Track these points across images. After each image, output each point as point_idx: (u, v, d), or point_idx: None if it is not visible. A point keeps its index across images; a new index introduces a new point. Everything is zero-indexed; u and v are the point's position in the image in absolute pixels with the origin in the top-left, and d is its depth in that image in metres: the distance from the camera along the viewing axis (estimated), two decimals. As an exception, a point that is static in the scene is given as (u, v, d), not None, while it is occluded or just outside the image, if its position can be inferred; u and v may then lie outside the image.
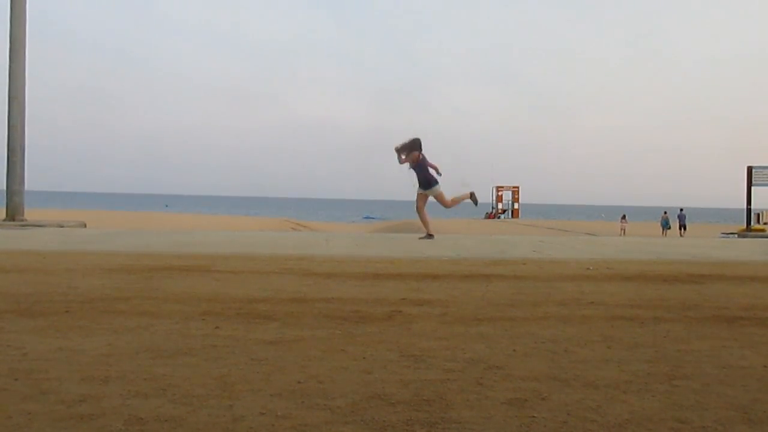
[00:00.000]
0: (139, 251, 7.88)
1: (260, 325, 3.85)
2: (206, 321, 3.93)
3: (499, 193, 57.44)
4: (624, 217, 39.24)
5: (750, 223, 21.66)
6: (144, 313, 4.11)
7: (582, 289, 5.36)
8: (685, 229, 34.24)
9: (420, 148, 10.49)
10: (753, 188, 20.84)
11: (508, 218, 54.70)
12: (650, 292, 5.34)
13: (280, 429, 2.22)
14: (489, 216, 56.38)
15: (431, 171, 10.58)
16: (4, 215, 14.54)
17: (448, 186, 10.82)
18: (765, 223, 23.70)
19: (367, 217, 74.82)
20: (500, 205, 57.18)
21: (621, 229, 35.49)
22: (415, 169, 10.54)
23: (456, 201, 11.00)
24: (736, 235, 19.16)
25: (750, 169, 20.72)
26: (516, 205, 57.45)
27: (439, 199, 10.66)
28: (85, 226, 14.44)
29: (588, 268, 6.79)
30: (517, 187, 58.13)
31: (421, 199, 10.67)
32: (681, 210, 35.70)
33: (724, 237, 18.75)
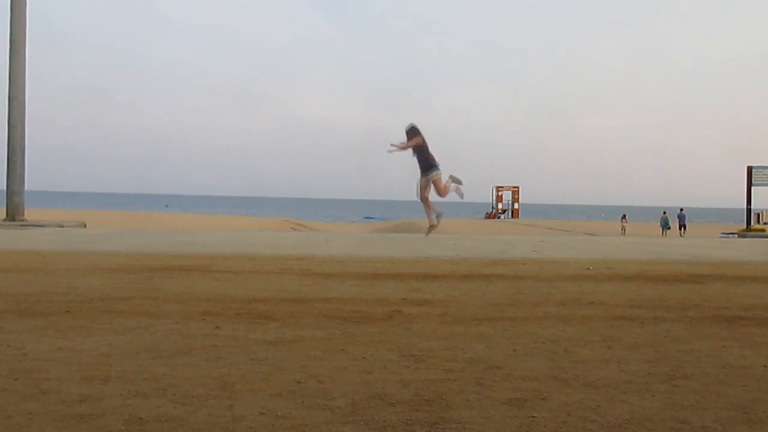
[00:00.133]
0: (139, 251, 7.88)
1: (260, 325, 3.85)
2: (206, 321, 3.93)
3: (499, 193, 57.42)
4: (624, 217, 39.22)
5: (750, 223, 21.66)
6: (144, 313, 4.11)
7: (582, 289, 5.36)
8: (684, 229, 34.21)
9: (420, 133, 10.51)
10: (753, 188, 20.85)
11: (508, 218, 54.67)
12: (650, 292, 5.34)
13: (280, 429, 2.22)
14: (489, 216, 56.36)
15: (432, 156, 10.57)
16: (4, 215, 14.54)
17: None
18: (765, 223, 23.71)
19: (367, 217, 74.78)
20: (500, 205, 57.16)
21: (621, 229, 35.50)
22: (417, 155, 10.55)
23: (448, 189, 10.97)
24: (736, 235, 19.17)
25: (750, 169, 20.73)
26: (516, 205, 57.41)
27: (437, 184, 10.64)
28: (85, 226, 14.45)
29: (588, 268, 6.79)
30: (517, 187, 58.10)
31: (425, 187, 10.67)
32: (681, 210, 35.67)
33: (724, 237, 18.75)
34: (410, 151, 10.53)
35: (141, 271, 5.97)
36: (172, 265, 6.46)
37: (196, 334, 3.59)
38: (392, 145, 10.50)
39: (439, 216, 10.76)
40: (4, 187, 14.67)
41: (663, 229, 35.44)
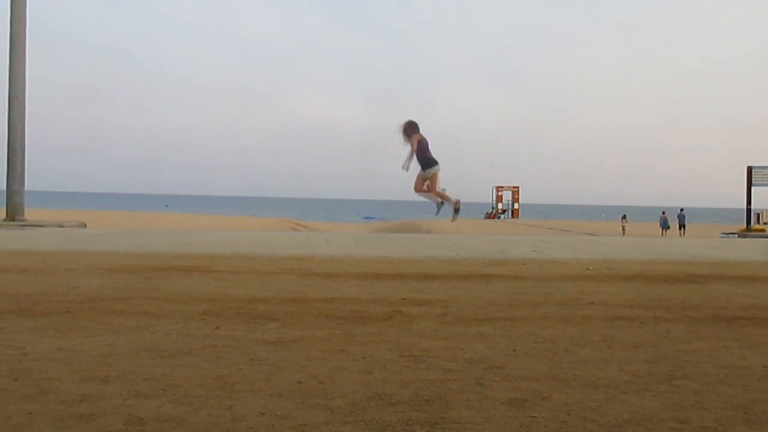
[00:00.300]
0: (139, 251, 7.88)
1: (260, 325, 3.85)
2: (206, 321, 3.93)
3: (499, 193, 57.44)
4: (624, 217, 39.24)
5: (750, 223, 21.66)
6: (144, 313, 4.11)
7: (582, 289, 5.36)
8: (684, 229, 34.23)
9: (418, 130, 10.52)
10: (753, 188, 20.85)
11: (508, 218, 54.69)
12: (650, 292, 5.34)
13: (280, 429, 2.22)
14: (489, 216, 56.38)
15: (430, 155, 10.58)
16: (4, 215, 14.54)
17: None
18: (765, 223, 23.70)
19: (367, 217, 74.80)
20: (500, 205, 57.18)
21: (621, 229, 35.50)
22: (416, 152, 10.55)
23: (442, 196, 10.91)
24: (736, 235, 19.17)
25: (750, 169, 20.73)
26: (516, 205, 57.43)
27: (433, 180, 10.62)
28: (85, 226, 14.45)
29: (588, 268, 6.79)
30: (517, 187, 58.12)
31: (420, 179, 10.68)
32: (681, 210, 35.68)
33: (724, 237, 18.75)
34: (405, 142, 10.52)
35: (141, 271, 5.97)
36: (172, 265, 6.46)
37: (196, 334, 3.59)
38: (405, 167, 10.49)
39: (440, 206, 10.66)
40: (4, 187, 14.66)
41: (663, 229, 35.44)
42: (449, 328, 3.86)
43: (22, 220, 14.20)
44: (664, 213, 36.87)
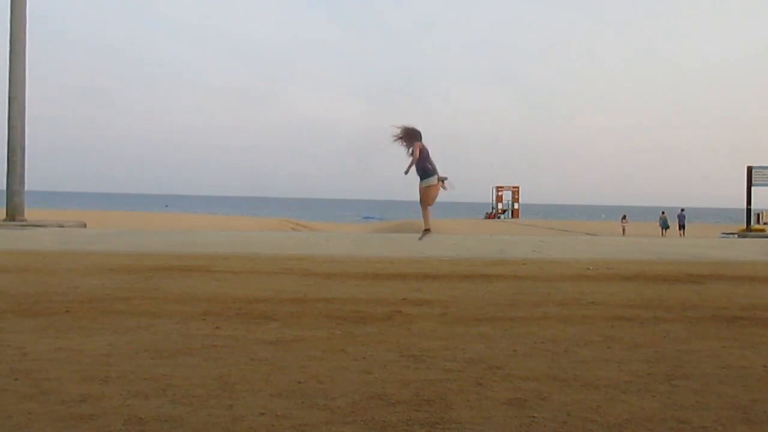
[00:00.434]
0: (139, 251, 7.88)
1: (260, 325, 3.85)
2: (206, 321, 3.93)
3: (499, 193, 57.46)
4: (624, 217, 39.26)
5: (750, 223, 21.66)
6: (144, 313, 4.11)
7: (582, 289, 5.36)
8: (683, 229, 34.22)
9: (420, 139, 10.51)
10: (753, 188, 20.85)
11: (508, 218, 54.69)
12: (650, 292, 5.34)
13: (280, 429, 2.22)
14: (489, 216, 56.39)
15: (429, 164, 10.56)
16: (4, 215, 14.54)
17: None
18: (765, 223, 23.69)
19: (367, 217, 74.81)
20: (500, 205, 57.20)
21: (621, 229, 35.51)
22: (416, 160, 10.54)
23: (426, 212, 10.82)
24: (736, 235, 19.16)
25: (750, 169, 20.73)
26: (516, 205, 57.45)
27: (428, 192, 10.59)
28: (85, 226, 14.45)
29: (588, 268, 6.79)
30: (517, 187, 58.14)
31: (426, 192, 10.63)
32: (682, 210, 35.69)
33: (724, 237, 18.74)
34: (406, 148, 10.52)
35: (141, 271, 5.97)
36: (172, 265, 6.46)
37: (196, 334, 3.60)
38: (407, 171, 10.48)
39: (427, 230, 10.60)
40: (4, 188, 14.66)
41: (663, 229, 35.43)
42: (449, 328, 3.86)
43: (22, 220, 14.20)
44: (663, 213, 36.88)
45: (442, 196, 10.82)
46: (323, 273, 6.11)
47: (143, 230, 14.31)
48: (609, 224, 43.60)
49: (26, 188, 14.71)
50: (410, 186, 10.79)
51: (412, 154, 10.45)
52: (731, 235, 19.49)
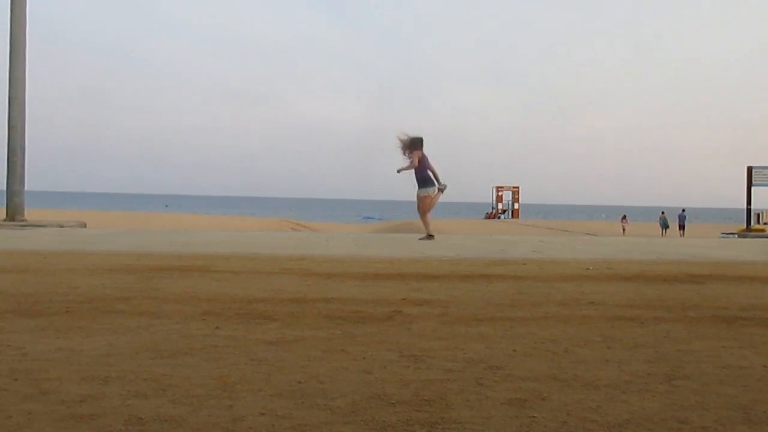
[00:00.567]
0: (139, 251, 7.88)
1: (260, 325, 3.85)
2: (206, 321, 3.93)
3: (499, 193, 57.46)
4: (624, 217, 39.26)
5: (750, 223, 21.66)
6: (144, 313, 4.11)
7: (582, 289, 5.36)
8: (683, 230, 34.23)
9: (421, 147, 10.54)
10: (753, 188, 20.85)
11: (508, 218, 54.70)
12: (650, 292, 5.34)
13: (280, 429, 2.22)
14: (489, 216, 56.39)
15: (429, 173, 10.60)
16: (4, 215, 14.54)
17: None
18: (765, 223, 23.70)
19: (366, 217, 74.79)
20: (500, 205, 57.20)
21: (621, 229, 35.52)
22: (415, 168, 10.58)
23: (425, 217, 10.88)
24: (736, 235, 19.17)
25: (750, 169, 20.73)
26: (516, 205, 57.45)
27: (424, 201, 10.64)
28: (85, 226, 14.44)
29: (588, 268, 6.79)
30: (517, 187, 58.14)
31: (422, 200, 10.69)
32: (683, 210, 35.70)
33: (724, 237, 18.75)
34: (407, 157, 10.55)
35: (141, 271, 5.98)
36: (172, 265, 6.46)
37: (196, 334, 3.59)
38: (399, 170, 10.53)
39: (429, 236, 10.66)
40: (4, 188, 14.66)
41: (663, 229, 35.44)
42: (449, 328, 3.86)
43: (23, 220, 14.20)
44: (663, 213, 36.89)
45: (441, 196, 10.84)
46: (323, 273, 6.11)
47: (143, 230, 14.31)
48: (609, 224, 43.60)
49: (26, 188, 14.71)
50: (410, 186, 10.81)
51: (410, 160, 10.50)
52: (731, 235, 19.50)
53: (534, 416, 2.36)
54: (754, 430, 2.28)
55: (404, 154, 10.61)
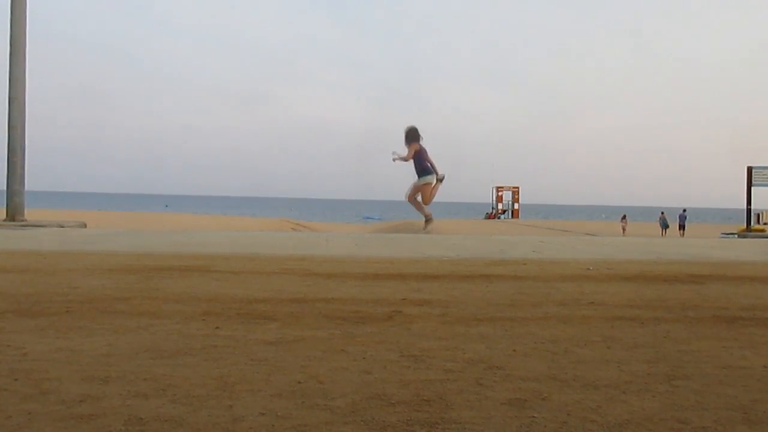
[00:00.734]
0: (139, 251, 7.88)
1: (260, 325, 3.85)
2: (206, 321, 3.93)
3: (499, 194, 57.48)
4: (624, 217, 39.25)
5: (750, 224, 21.68)
6: (144, 313, 4.11)
7: (582, 289, 5.36)
8: (683, 230, 34.23)
9: (418, 139, 10.60)
10: (753, 188, 20.87)
11: (508, 218, 54.71)
12: (650, 292, 5.34)
13: (280, 429, 2.22)
14: (489, 216, 56.40)
15: (428, 164, 10.66)
16: (4, 215, 14.54)
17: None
18: (765, 223, 23.71)
19: (366, 218, 74.78)
20: (500, 206, 57.21)
21: (622, 229, 35.52)
22: (414, 159, 10.64)
23: (418, 205, 10.95)
24: (736, 236, 19.17)
25: (750, 170, 20.74)
26: (516, 206, 57.46)
27: (424, 189, 10.70)
28: (85, 226, 14.44)
29: (588, 268, 6.79)
30: (517, 188, 58.15)
31: (415, 190, 10.77)
32: (684, 210, 35.70)
33: (724, 237, 18.75)
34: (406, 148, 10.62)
35: (141, 271, 5.97)
36: (172, 265, 6.46)
37: (196, 334, 3.59)
38: (394, 153, 10.59)
39: (428, 219, 10.78)
40: (4, 188, 14.66)
41: (663, 229, 35.44)
42: (449, 328, 3.86)
43: (23, 220, 14.20)
44: (663, 213, 36.90)
45: (441, 195, 10.87)
46: (323, 273, 6.11)
47: (143, 230, 14.31)
48: (609, 224, 43.60)
49: (26, 188, 14.71)
50: (409, 184, 10.83)
51: (413, 155, 10.56)
52: (731, 236, 19.51)
53: (534, 416, 2.36)
54: (754, 431, 2.28)
55: (409, 150, 10.70)
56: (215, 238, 10.69)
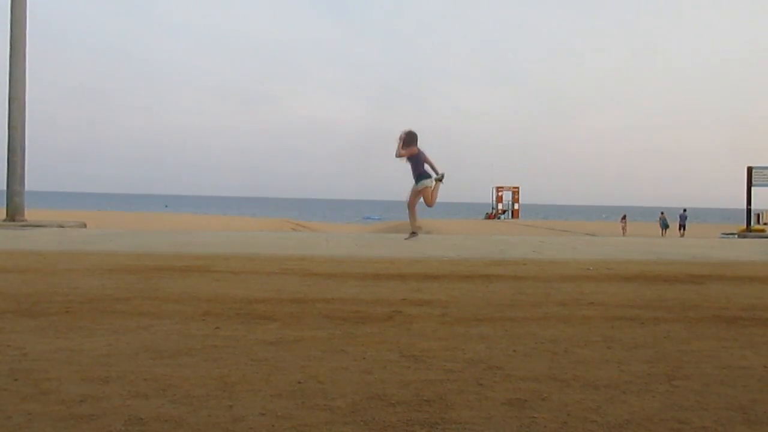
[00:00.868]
0: (139, 251, 7.88)
1: (260, 325, 3.85)
2: (206, 321, 3.93)
3: (499, 194, 57.50)
4: (624, 217, 39.25)
5: (750, 224, 21.67)
6: (144, 314, 4.11)
7: (582, 290, 5.36)
8: (683, 230, 34.24)
9: (416, 142, 10.61)
10: (753, 188, 20.85)
11: (508, 218, 54.72)
12: (650, 292, 5.34)
13: (280, 429, 2.22)
14: (489, 216, 56.40)
15: (426, 167, 10.67)
16: (4, 215, 14.54)
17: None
18: (765, 224, 23.71)
19: (366, 218, 74.80)
20: (500, 206, 57.22)
21: (622, 229, 35.53)
22: (411, 163, 10.66)
23: (413, 213, 11.00)
24: (736, 236, 19.16)
25: (750, 170, 20.73)
26: (516, 206, 57.48)
27: (424, 194, 10.71)
28: (85, 226, 14.44)
29: (588, 269, 6.79)
30: (517, 188, 58.16)
31: (415, 195, 10.77)
32: (684, 210, 35.70)
33: (724, 237, 18.74)
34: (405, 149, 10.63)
35: (141, 272, 5.98)
36: (172, 265, 6.46)
37: (196, 334, 3.60)
38: (396, 153, 10.59)
39: (416, 231, 10.79)
40: (4, 188, 14.66)
41: (662, 229, 35.45)
42: (449, 328, 3.86)
43: (23, 221, 14.20)
44: (663, 213, 36.90)
45: (441, 196, 10.87)
46: (323, 273, 6.11)
47: (143, 230, 14.31)
48: (609, 224, 43.61)
49: (26, 188, 14.71)
50: (410, 186, 10.83)
51: (407, 155, 10.60)
52: (731, 236, 19.50)
53: (534, 416, 2.36)
54: (754, 431, 2.28)
55: (399, 150, 10.72)
56: (215, 238, 10.69)
